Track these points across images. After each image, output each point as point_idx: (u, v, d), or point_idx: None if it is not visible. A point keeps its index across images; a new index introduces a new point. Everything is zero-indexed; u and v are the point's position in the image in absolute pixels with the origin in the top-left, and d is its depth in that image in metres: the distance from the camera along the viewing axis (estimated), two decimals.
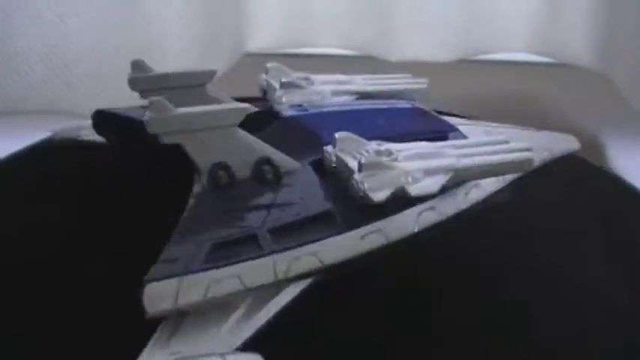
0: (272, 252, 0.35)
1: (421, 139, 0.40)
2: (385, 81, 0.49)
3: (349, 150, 0.38)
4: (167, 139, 0.37)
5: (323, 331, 0.36)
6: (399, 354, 0.36)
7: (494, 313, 0.39)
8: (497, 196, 0.42)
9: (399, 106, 0.45)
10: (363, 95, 0.47)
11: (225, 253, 0.35)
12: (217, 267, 0.34)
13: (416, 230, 0.38)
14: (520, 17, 0.76)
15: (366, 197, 0.37)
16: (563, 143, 0.49)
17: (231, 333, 0.34)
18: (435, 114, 0.45)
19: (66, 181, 0.45)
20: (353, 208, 0.37)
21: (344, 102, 0.46)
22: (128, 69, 0.43)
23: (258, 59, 0.79)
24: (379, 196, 0.36)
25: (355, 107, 0.45)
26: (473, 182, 0.41)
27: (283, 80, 0.46)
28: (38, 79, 0.68)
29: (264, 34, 0.79)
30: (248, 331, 0.34)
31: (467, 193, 0.41)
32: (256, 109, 0.44)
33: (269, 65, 0.48)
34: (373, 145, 0.39)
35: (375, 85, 0.48)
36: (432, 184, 0.38)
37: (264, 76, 0.48)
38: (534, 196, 0.45)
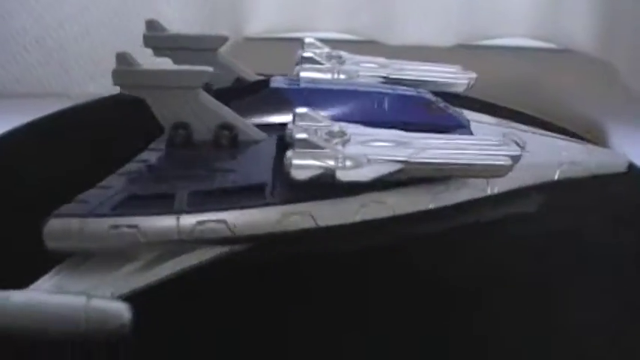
0: (180, 212, 0.35)
1: (416, 130, 0.39)
2: (426, 68, 0.48)
3: (307, 126, 0.38)
4: (132, 93, 0.39)
5: (211, 309, 0.36)
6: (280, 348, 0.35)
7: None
8: (476, 205, 0.40)
9: (405, 94, 0.43)
10: (393, 81, 0.46)
11: (137, 205, 0.36)
12: (121, 215, 0.35)
13: (355, 221, 0.37)
14: (521, 2, 0.75)
15: (289, 174, 0.36)
16: (605, 161, 0.45)
17: (120, 282, 0.34)
18: (444, 107, 0.43)
19: (128, 132, 0.45)
20: (289, 186, 0.37)
21: (349, 82, 0.45)
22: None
23: (257, 44, 0.78)
24: (302, 174, 0.36)
25: (354, 89, 0.44)
26: (455, 184, 0.39)
27: (304, 55, 0.46)
28: (34, 62, 0.67)
29: (263, 19, 0.78)
30: (136, 284, 0.34)
31: (437, 194, 0.39)
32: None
33: (306, 40, 0.48)
34: (333, 125, 0.38)
35: (412, 73, 0.47)
36: (368, 172, 0.36)
37: (299, 51, 0.47)
38: (523, 211, 0.43)
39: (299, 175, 0.36)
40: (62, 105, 0.54)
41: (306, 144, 0.36)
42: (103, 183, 0.37)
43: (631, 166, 0.46)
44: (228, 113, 0.40)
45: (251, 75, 0.47)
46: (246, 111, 0.41)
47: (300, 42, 0.48)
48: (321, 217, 0.37)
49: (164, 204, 0.36)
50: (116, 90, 0.44)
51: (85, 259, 0.35)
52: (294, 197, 0.37)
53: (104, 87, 0.49)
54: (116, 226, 0.35)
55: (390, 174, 0.36)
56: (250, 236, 0.36)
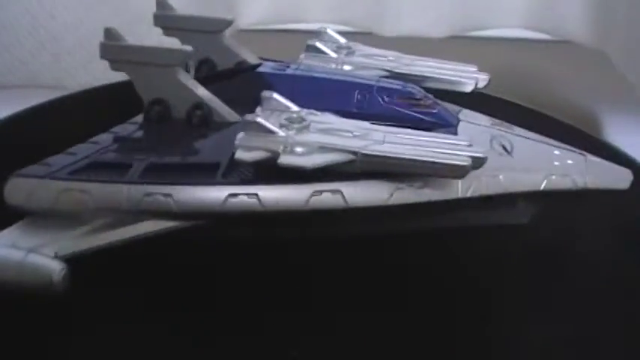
0: (131, 182, 0.37)
1: (395, 125, 0.39)
2: (436, 65, 0.46)
3: (271, 110, 0.38)
4: (117, 68, 0.41)
5: (151, 281, 0.38)
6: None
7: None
8: (442, 206, 0.38)
9: (389, 87, 0.43)
10: (398, 75, 0.45)
11: (93, 172, 0.37)
12: (75, 180, 0.37)
13: (305, 208, 0.37)
14: None
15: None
16: (604, 177, 0.41)
17: (67, 243, 0.36)
18: (431, 104, 0.42)
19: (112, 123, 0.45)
20: (244, 168, 0.37)
21: (338, 72, 0.45)
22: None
23: (250, 35, 0.78)
24: (246, 156, 0.36)
25: (339, 78, 0.43)
26: (421, 182, 0.37)
27: (309, 43, 0.46)
28: (25, 53, 0.67)
29: (256, 10, 0.78)
30: (82, 246, 0.36)
31: (398, 190, 0.37)
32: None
33: (321, 29, 0.47)
34: (299, 111, 0.38)
35: (419, 69, 0.46)
36: (313, 160, 0.36)
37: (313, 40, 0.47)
38: (497, 218, 0.41)
39: (243, 156, 0.36)
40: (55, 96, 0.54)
41: (258, 127, 0.36)
42: (71, 149, 0.39)
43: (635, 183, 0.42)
44: (203, 93, 0.41)
45: (254, 59, 0.47)
46: (227, 93, 0.41)
47: (301, 32, 0.48)
48: (269, 200, 0.37)
49: (119, 173, 0.37)
50: (108, 80, 0.44)
51: (42, 218, 0.37)
52: (244, 179, 0.37)
53: (97, 77, 0.49)
54: (69, 190, 0.37)
55: (340, 164, 0.36)
56: (195, 213, 0.37)
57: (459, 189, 0.38)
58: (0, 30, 0.67)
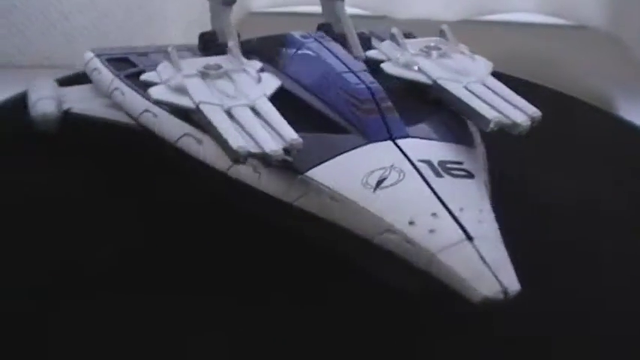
0: (117, 76, 0.46)
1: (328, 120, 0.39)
2: (492, 95, 0.40)
3: (232, 58, 0.42)
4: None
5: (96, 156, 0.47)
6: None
7: None
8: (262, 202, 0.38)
9: (348, 80, 0.39)
10: (436, 87, 0.41)
11: (117, 64, 0.48)
12: (101, 63, 0.48)
13: (174, 145, 0.41)
14: None
15: None
16: (458, 270, 0.30)
17: (81, 105, 0.48)
18: (372, 110, 0.37)
19: None
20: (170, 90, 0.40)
21: (344, 55, 0.43)
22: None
23: (262, 18, 0.78)
24: (145, 76, 0.41)
25: (334, 63, 0.41)
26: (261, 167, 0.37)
27: (392, 31, 0.45)
28: (37, 32, 0.67)
29: None
30: (82, 111, 0.47)
31: (238, 164, 0.37)
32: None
33: (443, 27, 0.45)
34: (239, 66, 0.41)
35: (461, 90, 0.40)
36: (162, 95, 0.39)
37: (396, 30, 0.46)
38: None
39: (143, 76, 0.41)
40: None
41: (169, 59, 0.41)
42: (136, 46, 0.51)
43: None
44: (231, 36, 0.46)
45: (351, 32, 0.48)
46: (259, 44, 0.46)
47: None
48: (159, 127, 0.42)
49: (125, 69, 0.47)
50: None
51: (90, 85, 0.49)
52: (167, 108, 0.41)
53: None
54: (95, 69, 0.48)
55: (184, 109, 0.39)
56: (130, 116, 0.44)
57: (288, 193, 0.36)
58: (10, 9, 0.66)
